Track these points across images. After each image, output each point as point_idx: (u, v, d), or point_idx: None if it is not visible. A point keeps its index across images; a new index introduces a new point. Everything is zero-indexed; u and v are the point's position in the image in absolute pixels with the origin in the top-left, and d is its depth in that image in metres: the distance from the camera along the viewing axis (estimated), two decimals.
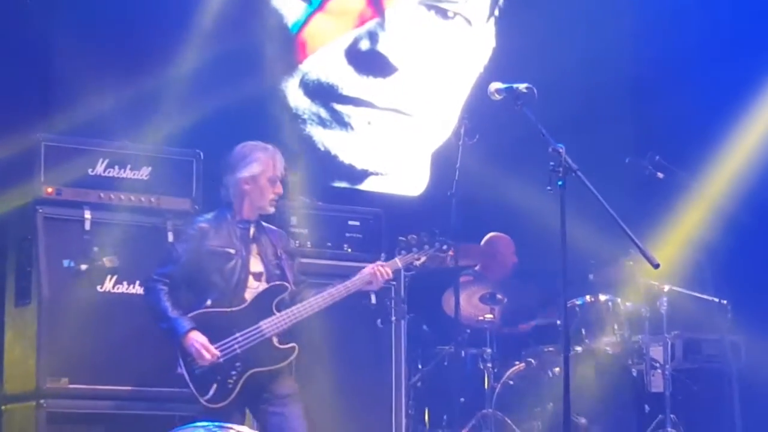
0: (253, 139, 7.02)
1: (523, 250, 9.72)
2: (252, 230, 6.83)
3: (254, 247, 6.80)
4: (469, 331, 8.90)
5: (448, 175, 8.16)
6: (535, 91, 6.18)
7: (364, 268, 6.93)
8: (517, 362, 8.80)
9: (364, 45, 10.00)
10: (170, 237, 7.22)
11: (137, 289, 7.10)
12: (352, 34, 9.96)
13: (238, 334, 6.57)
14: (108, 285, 7.09)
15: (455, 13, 10.44)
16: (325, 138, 9.75)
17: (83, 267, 6.98)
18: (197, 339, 6.50)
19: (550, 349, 8.79)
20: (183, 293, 6.73)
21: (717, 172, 10.00)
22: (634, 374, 8.92)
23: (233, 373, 6.54)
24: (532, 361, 8.75)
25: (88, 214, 7.09)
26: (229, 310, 6.62)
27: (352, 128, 9.84)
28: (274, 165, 6.86)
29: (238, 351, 6.55)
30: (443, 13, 10.39)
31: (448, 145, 9.74)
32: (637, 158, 9.51)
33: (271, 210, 6.87)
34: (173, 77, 8.49)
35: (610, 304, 8.93)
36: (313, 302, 6.72)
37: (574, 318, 8.81)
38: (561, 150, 5.95)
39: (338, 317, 7.22)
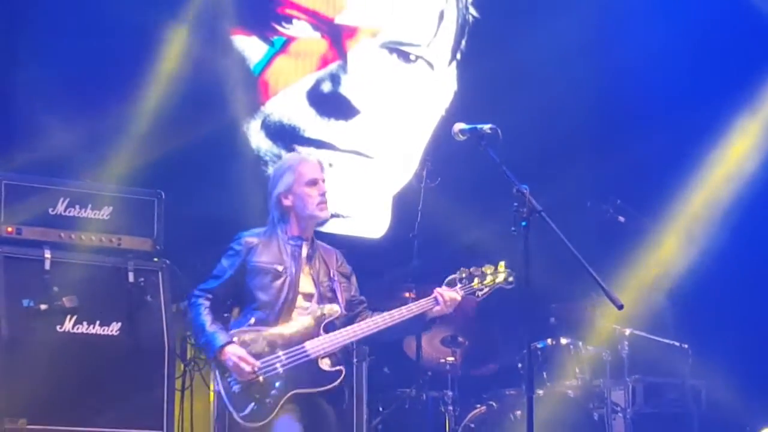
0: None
1: None
2: (305, 249, 6.50)
3: (306, 267, 6.48)
4: (430, 373, 8.88)
5: (410, 218, 8.15)
6: (499, 131, 6.18)
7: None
8: (478, 405, 8.77)
9: (326, 87, 10.01)
10: (131, 277, 7.15)
11: (97, 329, 7.02)
12: (314, 77, 9.97)
13: (281, 353, 6.23)
14: (67, 325, 6.98)
15: (417, 57, 10.48)
16: None
17: (43, 307, 6.88)
18: (234, 352, 6.17)
19: (512, 392, 8.77)
20: (227, 310, 6.49)
21: (677, 216, 10.07)
22: (596, 418, 8.90)
23: (273, 392, 6.19)
24: (494, 404, 8.72)
25: (48, 254, 6.99)
26: (270, 329, 6.29)
27: None
28: (308, 168, 6.57)
29: (280, 370, 6.21)
30: (405, 56, 10.42)
31: (410, 188, 9.75)
32: (598, 202, 9.57)
33: (324, 215, 6.52)
34: (135, 116, 8.47)
35: (571, 347, 8.94)
36: (364, 326, 6.40)
37: (535, 361, 8.80)
38: (525, 191, 5.94)
39: None
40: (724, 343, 9.84)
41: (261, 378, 6.20)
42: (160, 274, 7.30)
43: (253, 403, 6.18)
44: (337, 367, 6.33)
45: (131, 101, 8.55)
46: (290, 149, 9.72)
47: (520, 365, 8.78)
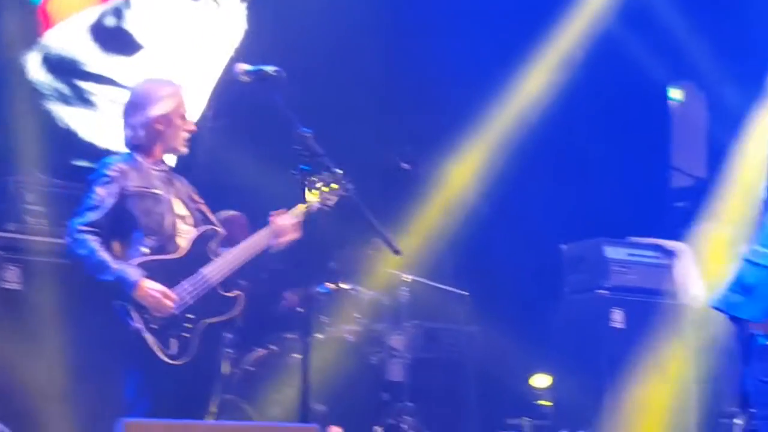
0: None
1: None
2: (168, 172, 6.35)
3: (173, 190, 6.30)
4: None
5: (194, 159, 8.01)
6: (284, 74, 6.12)
7: None
8: (258, 348, 8.73)
9: (110, 21, 9.75)
10: None
11: None
12: (98, 10, 9.69)
13: (185, 283, 6.05)
14: None
15: None
16: (66, 115, 9.44)
17: None
18: (153, 288, 5.91)
19: (292, 335, 8.75)
20: (112, 242, 6.12)
21: (460, 165, 10.20)
22: (374, 362, 8.98)
23: (187, 325, 6.02)
24: (274, 347, 8.70)
25: None
26: (170, 257, 6.11)
27: (94, 106, 9.57)
28: (183, 100, 6.44)
29: (190, 301, 6.05)
30: None
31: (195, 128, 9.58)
32: (383, 148, 9.61)
33: (185, 150, 6.40)
34: None
35: (351, 292, 8.97)
36: (247, 247, 6.27)
37: (315, 305, 8.80)
38: (307, 134, 5.92)
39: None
40: (503, 292, 10.05)
41: (176, 312, 5.99)
42: None
43: (174, 340, 5.98)
44: (235, 292, 6.24)
45: None
46: (71, 84, 9.46)
47: (300, 309, 8.77)
